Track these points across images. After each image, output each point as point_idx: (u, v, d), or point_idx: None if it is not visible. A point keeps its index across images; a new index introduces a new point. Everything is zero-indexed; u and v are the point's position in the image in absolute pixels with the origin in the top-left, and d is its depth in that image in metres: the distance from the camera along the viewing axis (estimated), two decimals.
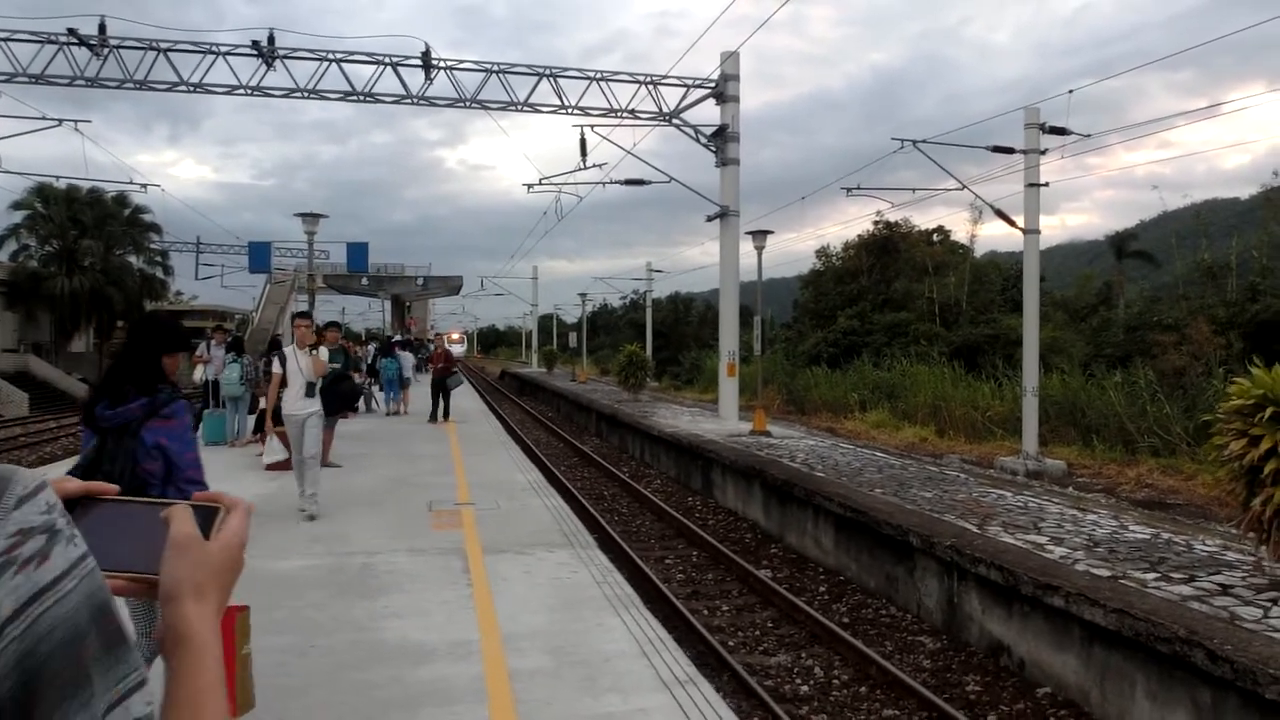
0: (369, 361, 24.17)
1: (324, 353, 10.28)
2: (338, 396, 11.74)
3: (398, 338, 33.06)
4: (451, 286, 60.56)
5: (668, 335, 67.42)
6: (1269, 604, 6.34)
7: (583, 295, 58.76)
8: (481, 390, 43.73)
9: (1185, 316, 27.88)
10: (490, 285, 67.52)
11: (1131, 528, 9.24)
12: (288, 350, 9.75)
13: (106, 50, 18.27)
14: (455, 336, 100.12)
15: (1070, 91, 17.48)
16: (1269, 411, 6.46)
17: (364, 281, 52.71)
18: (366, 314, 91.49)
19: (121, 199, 45.24)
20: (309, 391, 9.55)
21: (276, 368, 9.80)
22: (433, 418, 20.17)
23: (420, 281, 56.26)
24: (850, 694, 7.22)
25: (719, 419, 21.14)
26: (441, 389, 20.33)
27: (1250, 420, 6.61)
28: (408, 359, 24.07)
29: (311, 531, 8.98)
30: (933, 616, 8.79)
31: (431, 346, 77.14)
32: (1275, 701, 5.06)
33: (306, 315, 10.44)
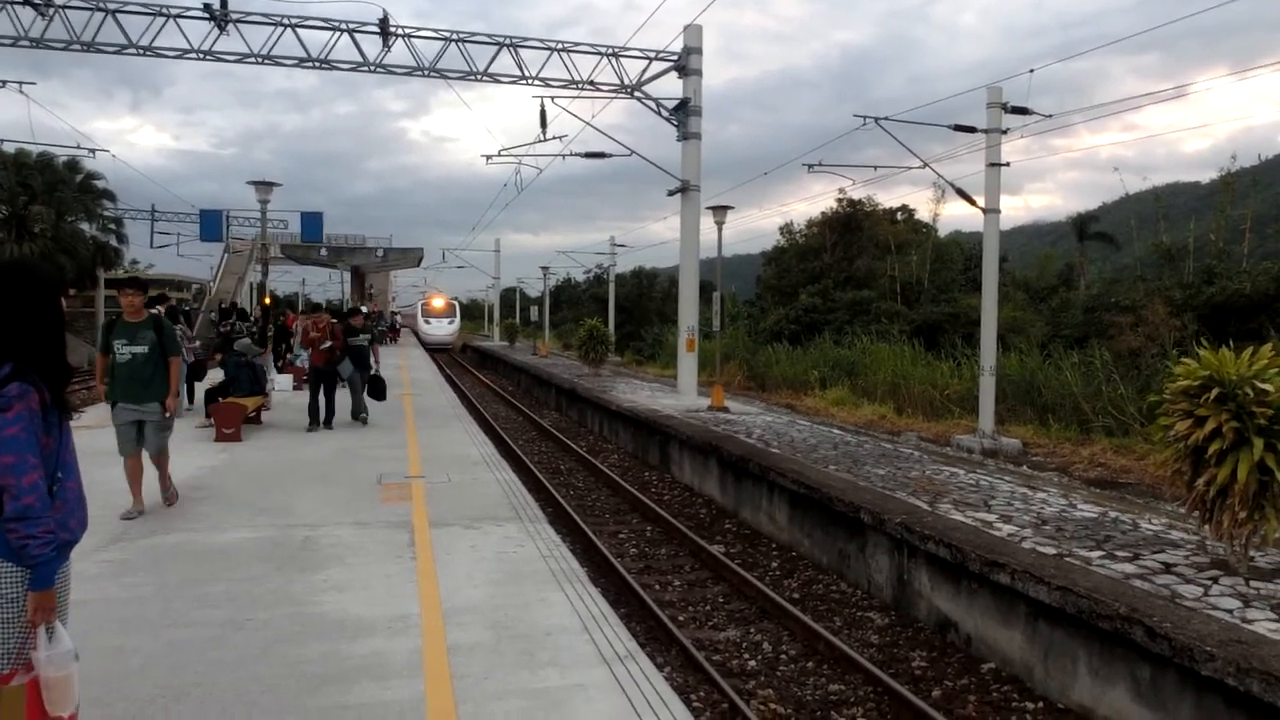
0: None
1: None
2: None
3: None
4: (412, 258, 59.94)
5: (631, 310, 67.28)
6: (1209, 582, 6.39)
7: (545, 269, 58.45)
8: (441, 363, 43.41)
9: (1142, 298, 28.16)
10: (452, 258, 66.77)
11: (1080, 506, 9.31)
12: None
13: (52, 10, 17.74)
14: (438, 304, 63.58)
15: (1031, 71, 17.56)
16: (1214, 393, 6.48)
17: (322, 252, 52.05)
18: (327, 285, 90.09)
19: (73, 164, 44.18)
20: None
21: None
22: (313, 423, 14.56)
23: (380, 253, 55.56)
24: (797, 669, 7.21)
25: (678, 394, 21.09)
26: (326, 381, 14.83)
27: (1196, 401, 6.63)
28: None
29: (255, 504, 8.80)
30: (883, 593, 8.81)
31: (398, 319, 71.91)
32: (1211, 678, 5.09)
33: None
